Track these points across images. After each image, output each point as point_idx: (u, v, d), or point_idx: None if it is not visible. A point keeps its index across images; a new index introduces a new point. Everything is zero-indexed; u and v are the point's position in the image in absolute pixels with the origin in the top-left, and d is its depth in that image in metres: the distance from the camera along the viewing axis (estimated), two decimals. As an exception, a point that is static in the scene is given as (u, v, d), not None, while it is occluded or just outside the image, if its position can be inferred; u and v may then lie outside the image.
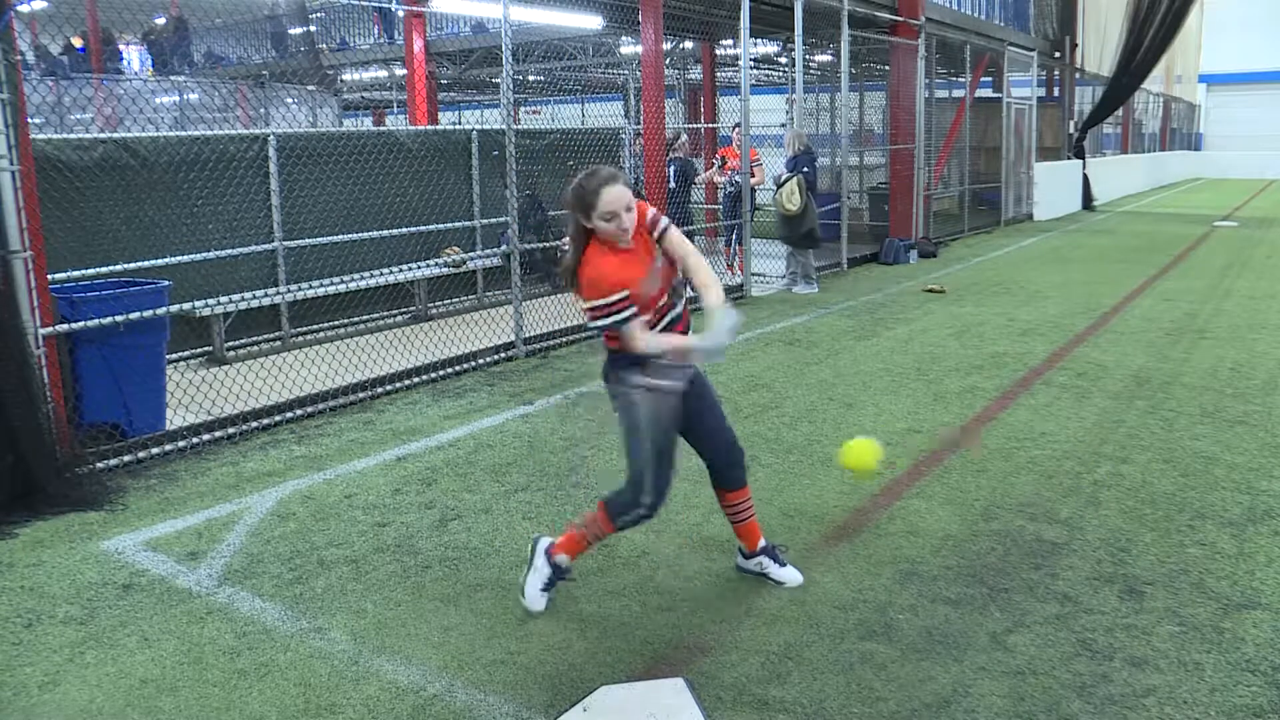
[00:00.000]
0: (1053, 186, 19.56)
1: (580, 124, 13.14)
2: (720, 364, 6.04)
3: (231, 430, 5.50)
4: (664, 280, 3.27)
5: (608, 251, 3.19)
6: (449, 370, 6.89)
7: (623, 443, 3.36)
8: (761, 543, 3.63)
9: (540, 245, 8.88)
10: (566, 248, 3.31)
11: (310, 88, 15.23)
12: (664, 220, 3.30)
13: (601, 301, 3.14)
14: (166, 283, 5.64)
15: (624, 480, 3.36)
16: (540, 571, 3.46)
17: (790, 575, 3.61)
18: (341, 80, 18.63)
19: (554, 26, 12.97)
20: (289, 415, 5.82)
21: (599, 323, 3.16)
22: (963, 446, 5.13)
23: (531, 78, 19.97)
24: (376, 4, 13.02)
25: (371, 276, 7.98)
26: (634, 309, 3.16)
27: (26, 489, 4.43)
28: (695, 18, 12.64)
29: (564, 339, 7.91)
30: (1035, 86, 19.35)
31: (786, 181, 10.12)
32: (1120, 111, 25.98)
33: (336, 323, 8.45)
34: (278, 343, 8.03)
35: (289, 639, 3.30)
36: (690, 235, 10.40)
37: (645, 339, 3.19)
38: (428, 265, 8.93)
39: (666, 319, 3.29)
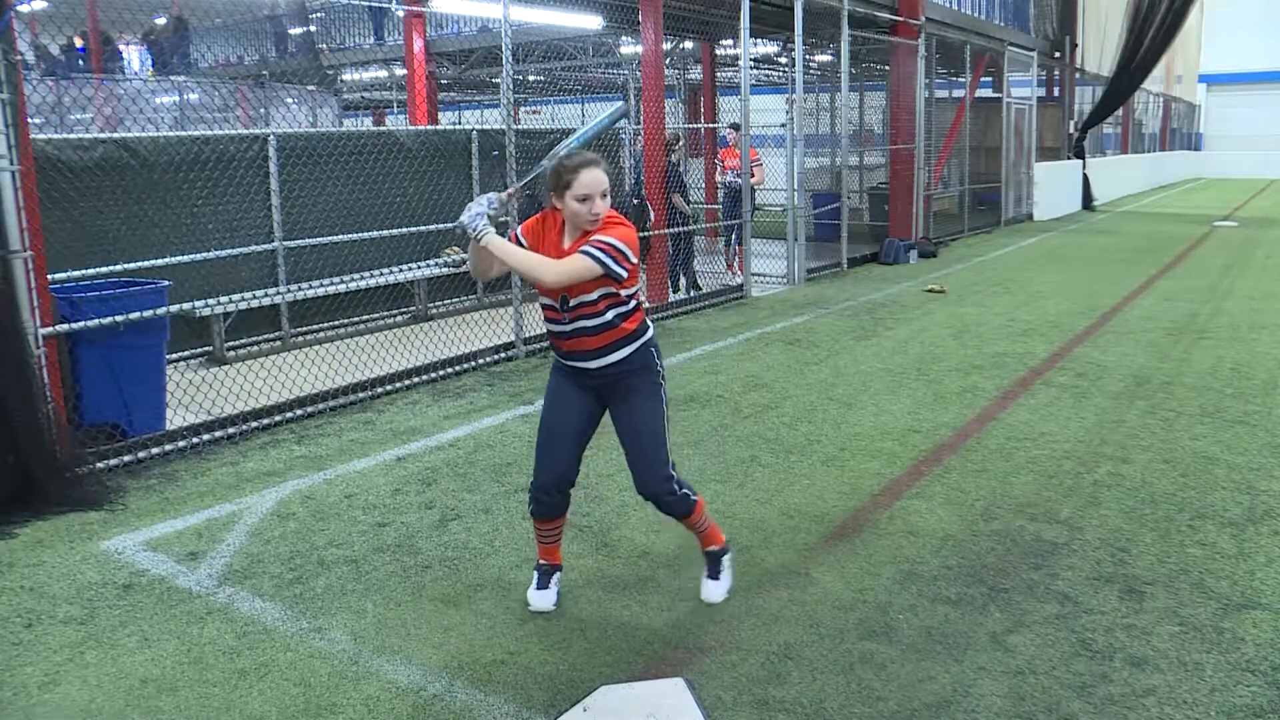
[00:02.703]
0: (1053, 186, 19.56)
1: (580, 124, 13.14)
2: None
3: (231, 430, 5.50)
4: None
5: (549, 228, 3.25)
6: (449, 370, 6.89)
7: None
8: (710, 547, 3.54)
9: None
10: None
11: (310, 88, 15.23)
12: (607, 239, 3.13)
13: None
14: (166, 283, 5.64)
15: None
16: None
17: (708, 591, 3.51)
18: (341, 80, 18.63)
19: (554, 26, 12.97)
20: (289, 415, 5.82)
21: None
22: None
23: (531, 78, 19.97)
24: (377, 4, 13.02)
25: (371, 276, 7.99)
26: (505, 237, 3.18)
27: (26, 489, 4.43)
28: (695, 18, 12.63)
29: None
30: (1035, 86, 19.35)
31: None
32: (1120, 111, 25.99)
33: (336, 323, 8.45)
34: (278, 343, 8.03)
35: (289, 639, 3.30)
36: (689, 236, 10.46)
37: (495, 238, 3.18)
38: (428, 265, 8.93)
39: (564, 325, 3.27)
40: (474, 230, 3.11)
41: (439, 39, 15.60)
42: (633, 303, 3.30)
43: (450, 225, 9.36)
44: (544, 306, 3.33)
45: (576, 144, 3.29)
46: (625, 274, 3.16)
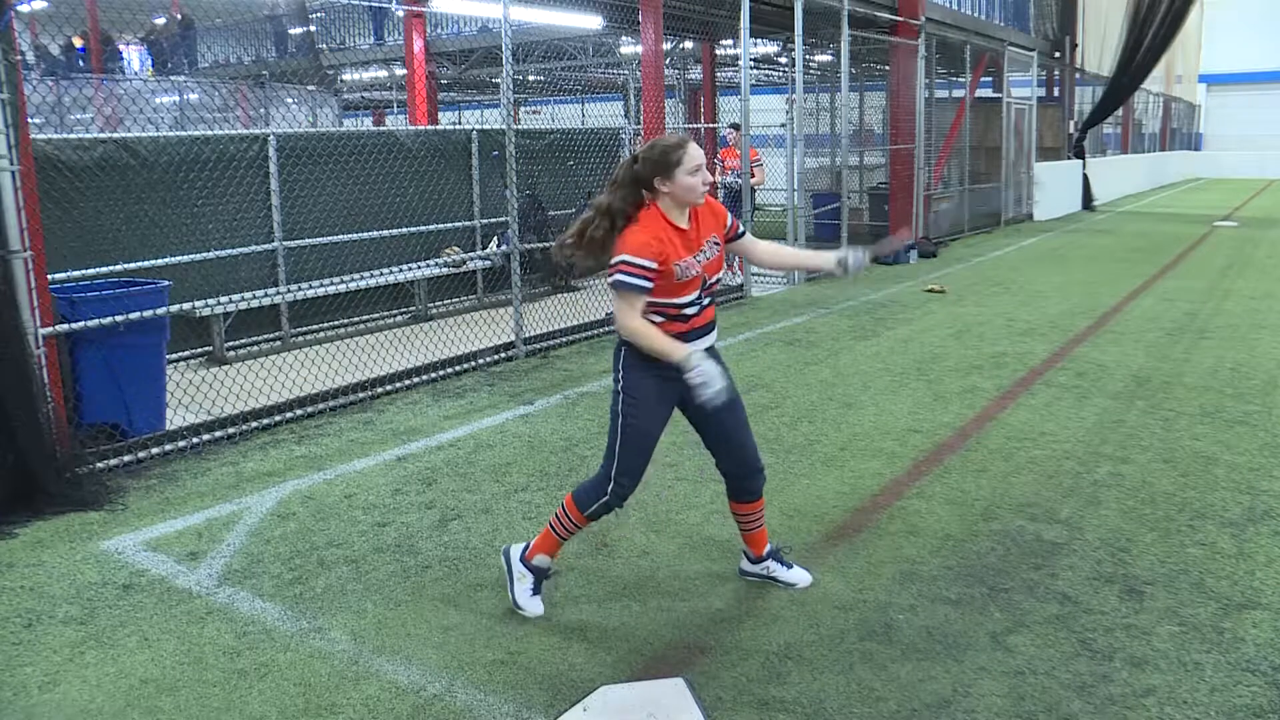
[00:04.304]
0: (1053, 186, 19.55)
1: (580, 124, 13.13)
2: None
3: (231, 430, 5.50)
4: (705, 269, 3.27)
5: (665, 223, 3.20)
6: (449, 370, 6.89)
7: (610, 430, 3.35)
8: (768, 547, 3.62)
9: (540, 245, 8.88)
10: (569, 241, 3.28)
11: (310, 88, 15.24)
12: (742, 225, 3.45)
13: (631, 259, 3.09)
14: (166, 283, 5.64)
15: (597, 469, 3.38)
16: (524, 579, 3.44)
17: (799, 576, 3.61)
18: (341, 80, 18.63)
19: (554, 26, 12.97)
20: (289, 415, 5.82)
21: (615, 278, 3.10)
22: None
23: (531, 78, 19.97)
24: (377, 4, 13.02)
25: (371, 276, 7.98)
26: (650, 285, 3.11)
27: (26, 489, 4.43)
28: (695, 18, 12.64)
29: (564, 339, 7.91)
30: (1035, 86, 19.35)
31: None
32: (1120, 111, 25.98)
33: (336, 323, 8.45)
34: (278, 343, 8.03)
35: (289, 639, 3.30)
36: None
37: (647, 329, 3.15)
38: (428, 265, 8.93)
39: (700, 306, 3.29)
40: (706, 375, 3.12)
41: (439, 39, 15.60)
42: None
43: (448, 225, 9.37)
44: (671, 306, 3.22)
45: None
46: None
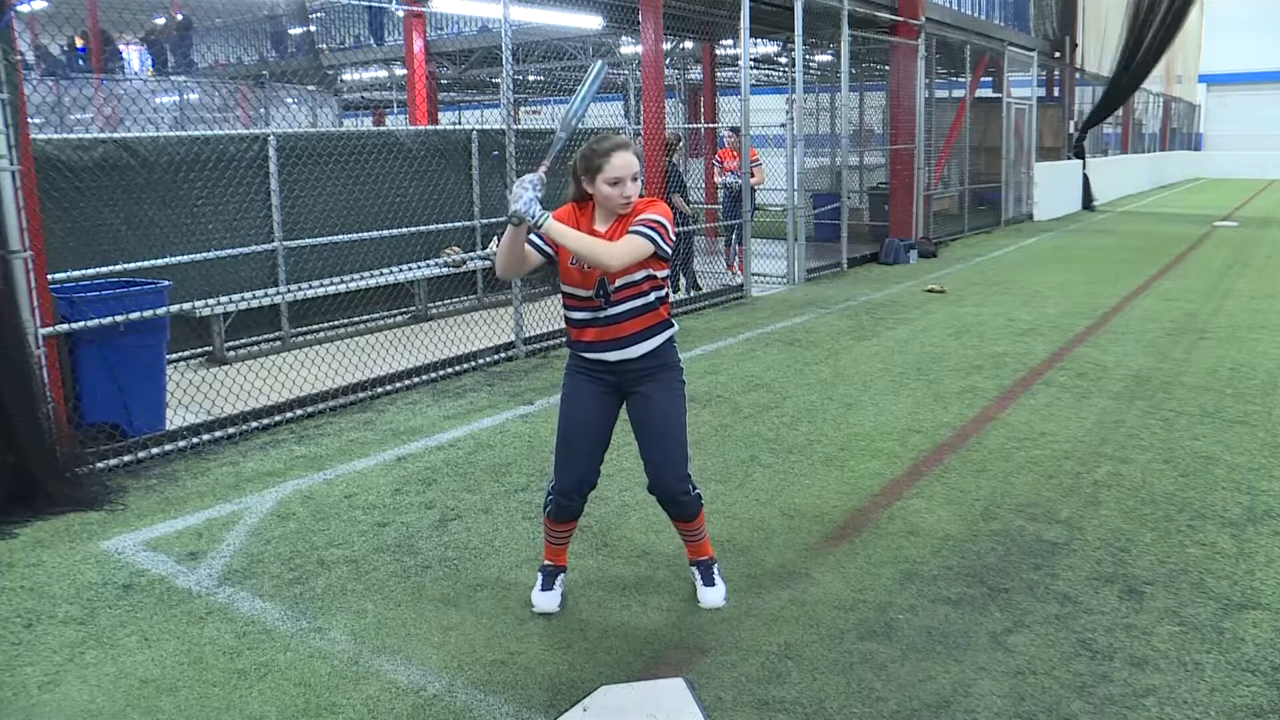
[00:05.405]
0: (1053, 186, 19.56)
1: (580, 124, 13.11)
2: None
3: (231, 430, 5.50)
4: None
5: (581, 217, 3.20)
6: (449, 370, 6.89)
7: None
8: (700, 558, 3.53)
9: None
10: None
11: (310, 88, 15.24)
12: (653, 217, 3.13)
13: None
14: (166, 283, 5.64)
15: None
16: (536, 579, 3.54)
17: (706, 596, 3.47)
18: (341, 80, 18.63)
19: (554, 26, 12.96)
20: (289, 415, 5.82)
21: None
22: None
23: (531, 78, 19.96)
24: (377, 4, 13.01)
25: (371, 276, 7.98)
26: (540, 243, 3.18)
27: (26, 489, 4.42)
28: (695, 18, 12.64)
29: (564, 339, 7.90)
30: (1035, 86, 19.35)
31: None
32: (1120, 111, 25.98)
33: (336, 323, 8.45)
34: (278, 343, 8.03)
35: (289, 639, 3.30)
36: (689, 236, 10.45)
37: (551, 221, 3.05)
38: (428, 265, 8.93)
39: (606, 313, 3.21)
40: (533, 217, 2.96)
41: (439, 39, 15.59)
42: (667, 286, 3.31)
43: (448, 225, 9.37)
44: (570, 296, 3.24)
45: (580, 109, 3.21)
46: (670, 251, 3.18)
